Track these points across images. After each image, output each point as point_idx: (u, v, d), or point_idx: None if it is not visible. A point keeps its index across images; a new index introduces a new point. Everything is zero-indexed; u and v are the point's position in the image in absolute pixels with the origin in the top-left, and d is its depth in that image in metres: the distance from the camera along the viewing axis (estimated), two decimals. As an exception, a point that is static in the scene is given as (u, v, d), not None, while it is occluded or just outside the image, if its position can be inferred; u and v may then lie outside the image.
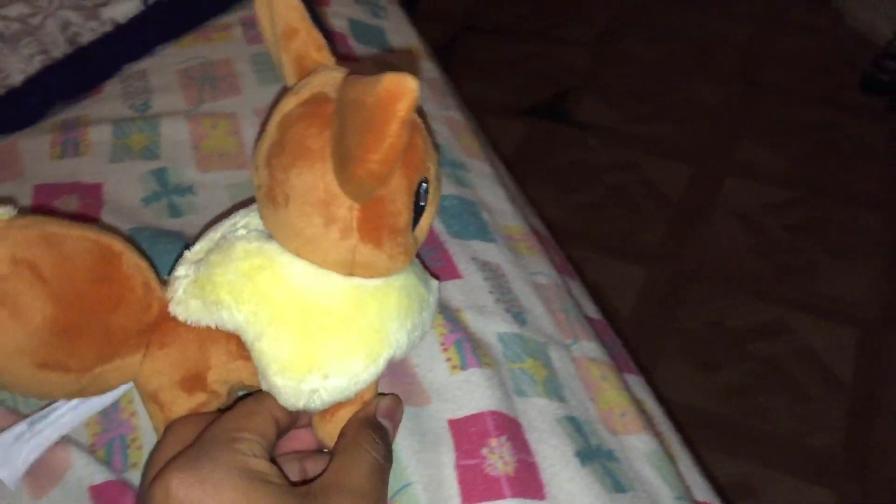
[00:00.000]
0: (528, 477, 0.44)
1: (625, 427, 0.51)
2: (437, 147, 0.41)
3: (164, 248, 0.53)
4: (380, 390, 0.45)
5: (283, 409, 0.39)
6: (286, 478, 0.37)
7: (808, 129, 1.90)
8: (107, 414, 0.46)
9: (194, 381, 0.40)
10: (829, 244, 1.62)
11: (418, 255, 0.46)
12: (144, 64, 0.71)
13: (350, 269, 0.38)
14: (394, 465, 0.42)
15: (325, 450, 0.43)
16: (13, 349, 0.34)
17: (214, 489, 0.33)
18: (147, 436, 0.46)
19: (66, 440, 0.45)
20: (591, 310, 0.65)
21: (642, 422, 0.52)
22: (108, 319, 0.37)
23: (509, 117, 1.92)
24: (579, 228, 1.66)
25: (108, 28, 0.71)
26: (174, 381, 0.40)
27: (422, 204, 0.39)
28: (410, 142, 0.33)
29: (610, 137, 1.87)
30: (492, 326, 0.52)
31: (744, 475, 1.28)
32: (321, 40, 0.41)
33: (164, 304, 0.40)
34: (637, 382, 0.59)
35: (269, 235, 0.40)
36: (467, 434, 0.45)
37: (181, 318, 0.40)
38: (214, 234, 0.42)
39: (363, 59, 0.73)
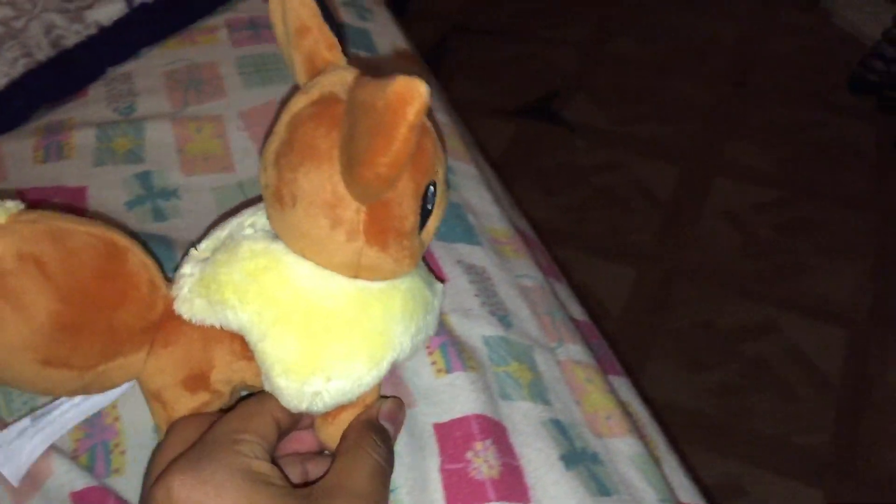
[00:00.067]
0: (512, 481, 0.44)
1: (610, 430, 0.51)
2: (445, 150, 0.41)
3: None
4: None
5: (285, 410, 0.39)
6: (287, 479, 0.37)
7: (796, 129, 1.90)
8: (90, 419, 0.46)
9: (197, 380, 0.40)
10: (818, 244, 1.63)
11: (423, 259, 0.46)
12: (129, 66, 0.71)
13: (355, 271, 0.38)
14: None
15: (327, 452, 0.43)
16: (17, 345, 0.34)
17: (216, 491, 0.33)
18: (130, 440, 0.46)
19: (48, 447, 0.44)
20: (578, 312, 0.65)
21: (627, 424, 0.52)
22: (113, 316, 0.37)
23: (499, 117, 1.92)
24: (569, 228, 1.66)
25: (92, 31, 0.70)
26: (177, 380, 0.40)
27: (429, 207, 0.39)
28: (419, 145, 0.33)
29: (599, 138, 1.87)
30: (477, 330, 0.52)
31: (733, 475, 1.28)
32: (333, 39, 0.41)
33: (169, 303, 0.40)
34: (623, 384, 0.59)
35: (276, 235, 0.40)
36: (452, 438, 0.45)
37: (186, 316, 0.39)
38: (221, 233, 0.42)
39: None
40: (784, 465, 1.30)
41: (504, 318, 0.53)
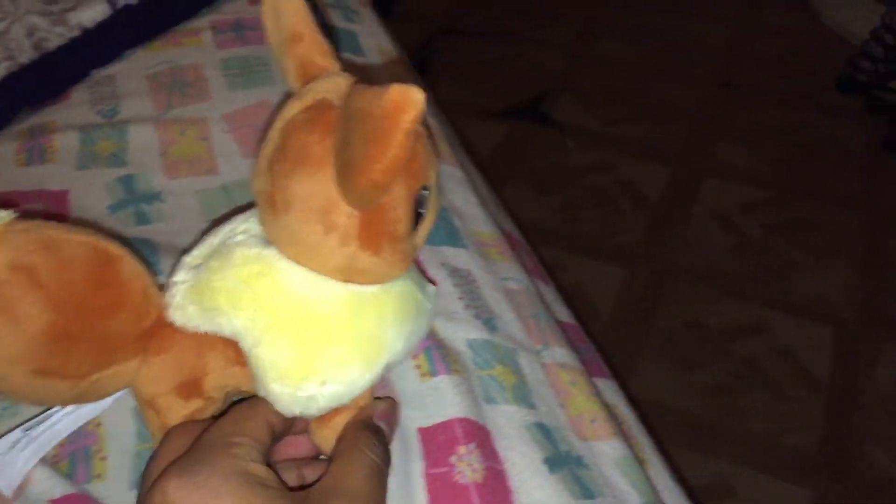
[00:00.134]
0: (496, 484, 0.44)
1: (595, 433, 0.51)
2: (438, 154, 0.41)
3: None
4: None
5: (278, 413, 0.39)
6: (283, 482, 0.37)
7: (785, 129, 1.91)
8: (73, 426, 0.46)
9: (191, 387, 0.40)
10: (807, 244, 1.63)
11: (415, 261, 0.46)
12: (113, 69, 0.70)
13: (348, 275, 0.38)
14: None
15: (323, 456, 0.43)
16: (10, 356, 0.34)
17: (212, 494, 0.33)
18: (111, 446, 0.45)
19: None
20: (564, 314, 0.65)
21: (612, 427, 0.52)
22: (106, 325, 0.37)
23: (487, 119, 1.92)
24: (558, 229, 1.66)
25: (75, 33, 0.70)
26: (171, 388, 0.40)
27: (421, 211, 0.39)
28: (412, 150, 0.33)
29: (588, 139, 1.87)
30: (461, 333, 0.51)
31: (722, 474, 1.28)
32: (326, 45, 0.41)
33: (162, 310, 0.40)
34: (609, 387, 0.59)
35: (269, 241, 0.40)
36: (436, 442, 0.45)
37: (179, 323, 0.39)
38: (214, 240, 0.42)
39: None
40: (774, 464, 1.30)
41: (489, 322, 0.53)
